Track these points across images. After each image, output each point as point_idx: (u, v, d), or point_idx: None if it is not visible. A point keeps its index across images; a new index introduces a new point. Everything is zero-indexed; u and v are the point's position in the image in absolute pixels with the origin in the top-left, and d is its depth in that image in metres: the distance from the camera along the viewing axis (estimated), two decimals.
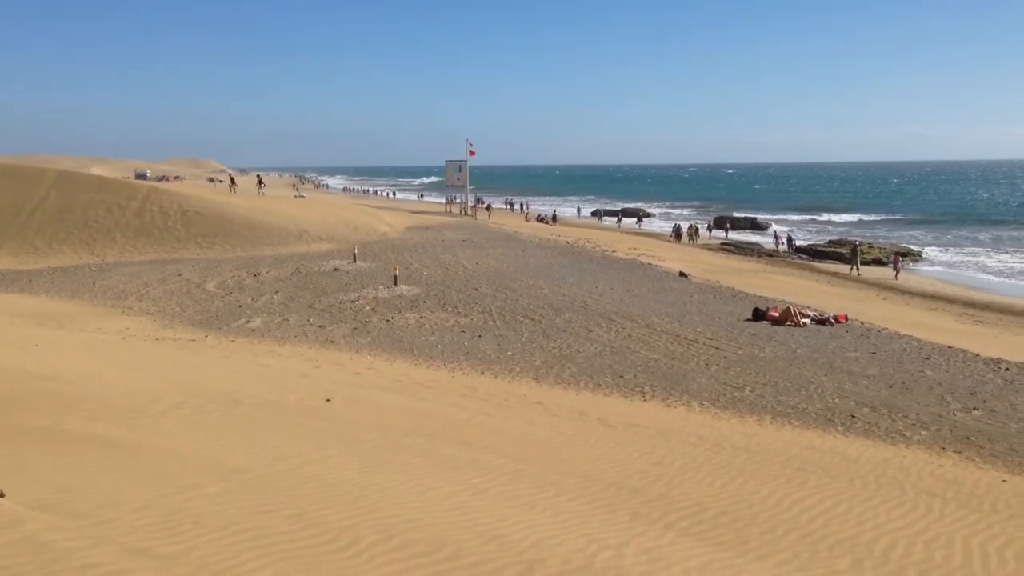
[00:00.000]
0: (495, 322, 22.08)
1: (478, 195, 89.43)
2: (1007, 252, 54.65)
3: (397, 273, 28.80)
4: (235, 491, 7.05)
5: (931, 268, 46.18)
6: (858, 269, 43.15)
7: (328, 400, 12.34)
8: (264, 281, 29.02)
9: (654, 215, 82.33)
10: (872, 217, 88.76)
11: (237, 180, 73.32)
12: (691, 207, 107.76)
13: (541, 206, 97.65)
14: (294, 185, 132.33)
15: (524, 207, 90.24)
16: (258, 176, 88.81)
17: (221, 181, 65.69)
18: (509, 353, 18.57)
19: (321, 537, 6.03)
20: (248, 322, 22.13)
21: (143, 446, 8.55)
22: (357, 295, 26.13)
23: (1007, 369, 18.02)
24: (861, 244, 48.37)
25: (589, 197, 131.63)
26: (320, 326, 21.64)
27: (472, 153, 63.76)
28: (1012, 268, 47.01)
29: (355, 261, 33.51)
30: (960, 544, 8.08)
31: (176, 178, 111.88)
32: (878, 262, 46.94)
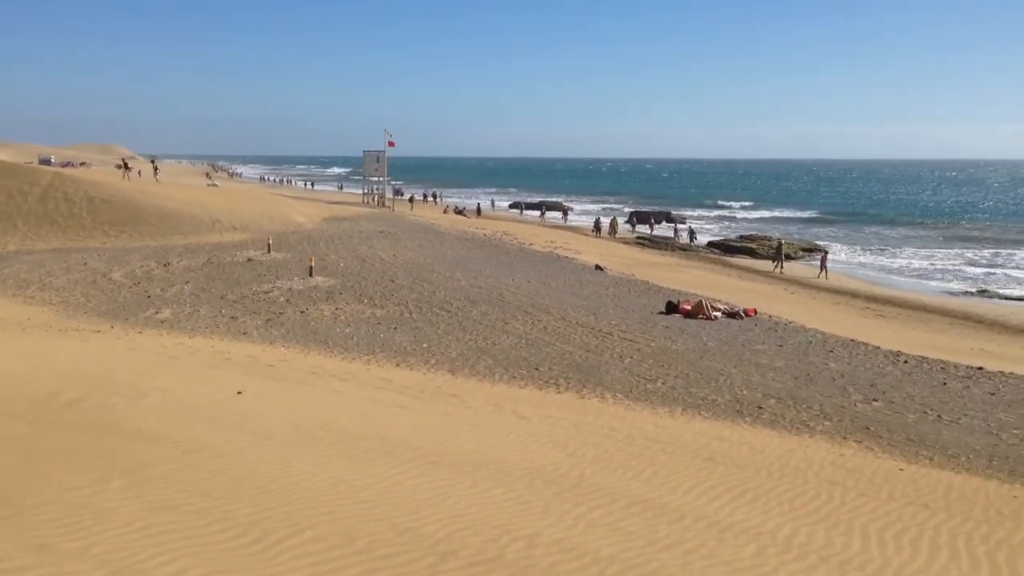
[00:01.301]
0: (411, 314, 21.99)
1: (397, 186, 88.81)
2: (910, 248, 56.72)
3: (312, 264, 28.42)
4: (141, 486, 6.89)
5: (836, 264, 47.51)
6: (782, 267, 43.03)
7: (239, 393, 12.11)
8: (174, 271, 28.30)
9: (573, 208, 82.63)
10: (783, 214, 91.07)
11: (132, 166, 70.60)
12: (611, 201, 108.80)
13: (460, 198, 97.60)
14: (207, 174, 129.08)
15: (435, 198, 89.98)
16: (152, 161, 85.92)
17: (129, 168, 62.77)
18: (425, 345, 18.52)
19: (229, 532, 5.94)
20: (157, 313, 21.56)
21: (44, 441, 8.27)
22: (271, 286, 25.71)
23: (905, 361, 18.75)
24: (785, 242, 49.00)
25: (510, 190, 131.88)
26: (232, 317, 21.22)
27: (391, 143, 63.26)
28: (912, 264, 48.81)
29: (269, 252, 32.94)
30: (859, 531, 8.37)
31: (82, 164, 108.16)
32: (788, 257, 48.26)
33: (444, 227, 48.60)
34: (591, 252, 41.97)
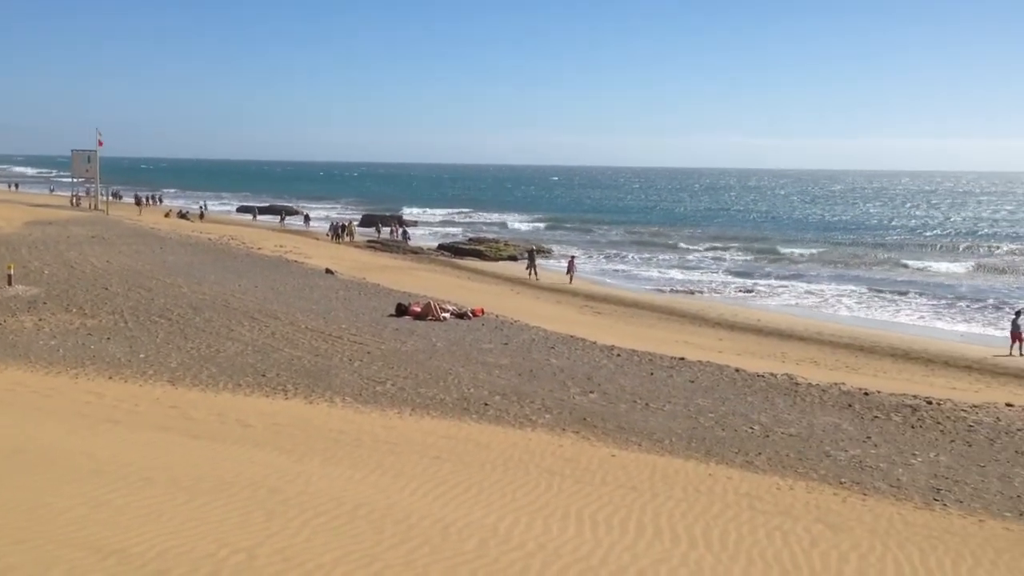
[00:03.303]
0: (127, 323, 20.64)
1: (115, 189, 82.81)
2: (634, 251, 60.77)
3: (12, 272, 25.89)
4: None
5: (560, 264, 49.83)
6: (535, 273, 42.26)
7: None
8: None
9: (309, 213, 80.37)
10: (520, 216, 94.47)
11: None
12: (350, 204, 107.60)
13: (184, 201, 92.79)
14: None
15: (156, 200, 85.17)
16: None
17: None
18: (142, 355, 17.46)
19: None
20: None
21: None
22: None
23: (618, 355, 20.11)
24: (537, 248, 49.96)
25: (243, 193, 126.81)
26: None
27: (100, 143, 58.98)
28: (631, 266, 52.40)
29: None
30: (574, 516, 8.89)
31: None
32: (512, 259, 50.22)
33: (165, 231, 46.06)
34: (322, 256, 41.40)
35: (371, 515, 8.04)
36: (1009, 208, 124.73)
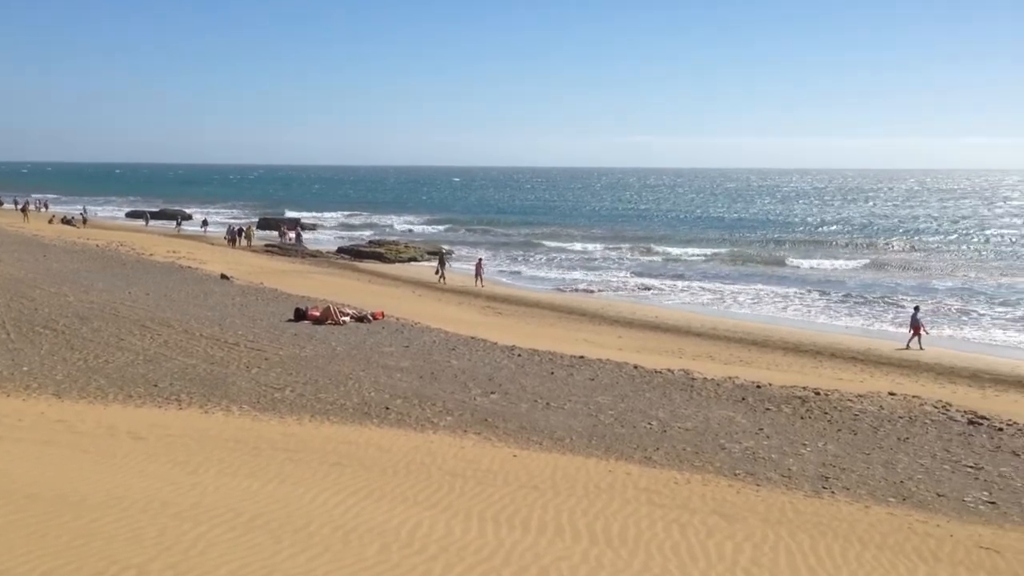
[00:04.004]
0: (8, 335, 19.73)
1: None
2: (536, 252, 61.29)
3: None
4: None
5: (463, 266, 49.84)
6: (444, 276, 41.65)
7: None
8: None
9: (207, 218, 77.99)
10: (422, 217, 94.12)
11: None
12: (247, 208, 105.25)
13: (69, 207, 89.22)
14: None
15: (41, 206, 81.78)
16: None
17: None
18: (25, 368, 16.71)
19: None
20: None
21: None
22: None
23: (519, 355, 20.24)
24: (447, 251, 49.59)
25: (131, 198, 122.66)
26: None
27: None
28: (533, 266, 52.82)
29: None
30: (476, 517, 8.91)
31: None
32: (413, 260, 50.06)
33: (50, 238, 44.25)
34: (217, 261, 40.45)
35: (269, 525, 7.90)
36: (893, 204, 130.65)
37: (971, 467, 12.93)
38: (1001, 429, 15.42)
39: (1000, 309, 36.66)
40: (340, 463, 10.93)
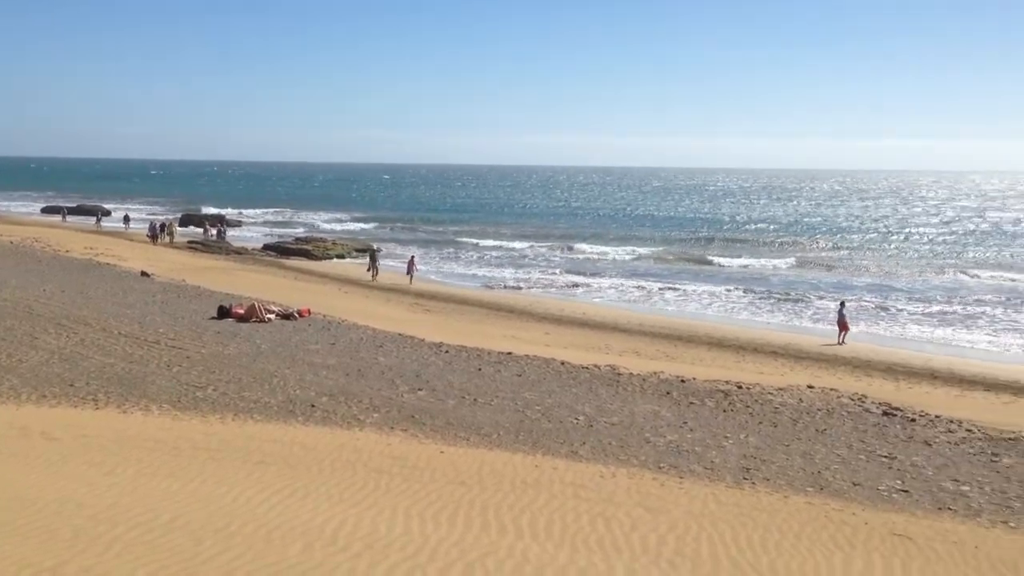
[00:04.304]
0: None
1: None
2: (466, 249, 61.24)
3: None
4: None
5: (393, 263, 49.46)
6: (375, 273, 41.41)
7: None
8: None
9: (129, 213, 75.74)
10: (351, 214, 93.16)
11: None
12: (169, 204, 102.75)
13: None
14: None
15: None
16: None
17: None
18: None
19: None
20: None
21: None
22: None
23: (447, 351, 20.20)
24: (378, 248, 49.07)
25: (48, 193, 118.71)
26: None
27: None
28: (462, 264, 52.77)
29: None
30: (402, 513, 8.87)
31: None
32: (340, 257, 49.61)
33: None
34: (138, 258, 39.50)
35: (189, 525, 7.74)
36: (816, 203, 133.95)
37: (885, 457, 13.35)
38: (914, 420, 15.96)
39: (916, 305, 37.88)
40: (264, 462, 10.77)
